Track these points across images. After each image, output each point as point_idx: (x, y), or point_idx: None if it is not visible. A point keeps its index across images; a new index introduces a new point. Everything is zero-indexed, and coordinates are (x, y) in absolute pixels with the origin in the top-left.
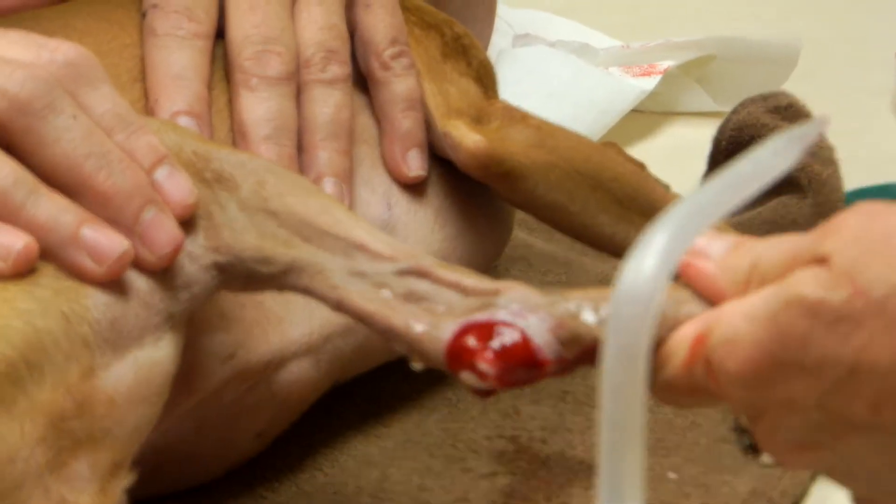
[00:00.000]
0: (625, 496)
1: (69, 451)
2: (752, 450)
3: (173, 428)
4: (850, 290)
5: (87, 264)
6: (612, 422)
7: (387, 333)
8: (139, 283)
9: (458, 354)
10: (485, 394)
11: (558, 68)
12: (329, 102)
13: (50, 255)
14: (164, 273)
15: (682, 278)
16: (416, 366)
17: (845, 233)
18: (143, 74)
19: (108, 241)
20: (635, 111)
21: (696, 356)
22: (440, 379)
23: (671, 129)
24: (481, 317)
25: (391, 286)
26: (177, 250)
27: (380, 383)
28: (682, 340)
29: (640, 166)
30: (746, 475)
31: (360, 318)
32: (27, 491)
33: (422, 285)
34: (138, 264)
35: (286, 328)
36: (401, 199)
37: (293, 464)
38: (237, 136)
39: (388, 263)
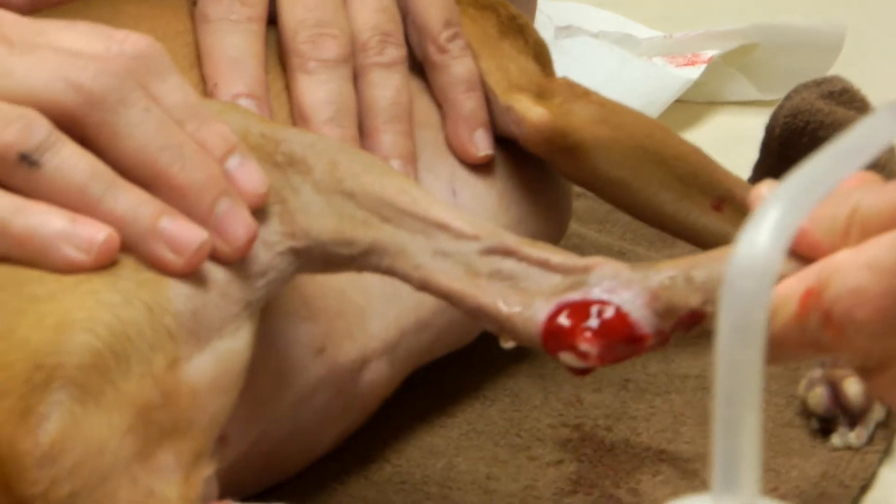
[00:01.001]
0: (741, 476)
1: (155, 442)
2: (822, 433)
3: (271, 430)
4: None
5: (167, 256)
6: (728, 399)
7: (475, 313)
8: (217, 273)
9: (555, 335)
10: (583, 372)
11: (603, 59)
12: (389, 85)
13: (129, 247)
14: (240, 263)
15: None
16: (507, 344)
17: None
18: (198, 60)
19: (186, 233)
20: (680, 101)
21: (808, 309)
22: (501, 369)
23: (716, 118)
24: (575, 295)
25: (476, 265)
26: (251, 241)
27: (441, 374)
28: (788, 295)
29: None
30: (815, 459)
31: (446, 297)
32: (115, 482)
33: (507, 263)
34: (214, 256)
35: (367, 320)
36: (465, 184)
37: (361, 455)
38: (298, 121)
39: (471, 242)
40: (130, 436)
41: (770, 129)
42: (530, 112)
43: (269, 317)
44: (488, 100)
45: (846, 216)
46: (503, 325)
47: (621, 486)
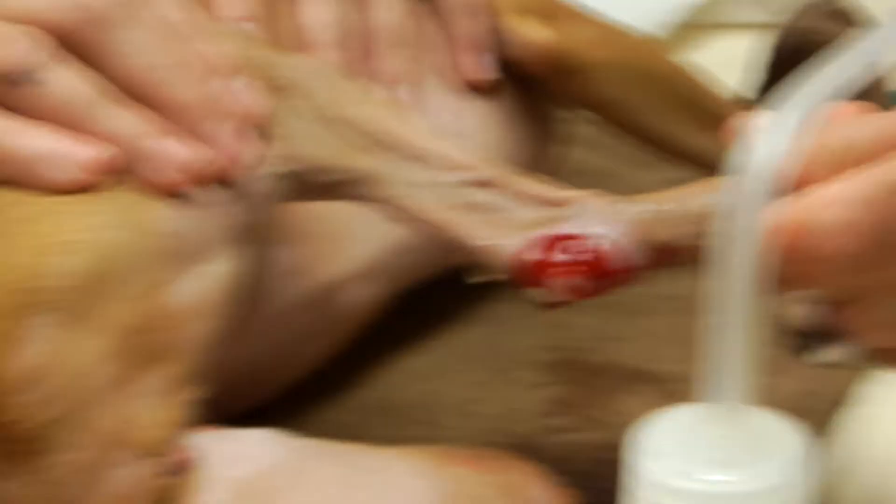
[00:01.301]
0: (730, 382)
1: (138, 366)
2: (801, 351)
3: (245, 351)
4: None
5: (171, 175)
6: (719, 307)
7: (451, 244)
8: (207, 195)
9: (529, 269)
10: (555, 305)
11: None
12: (393, 8)
13: (128, 166)
14: (235, 184)
15: None
16: (475, 278)
17: None
18: None
19: (189, 152)
20: (684, 24)
21: (791, 241)
22: (483, 292)
23: (723, 41)
24: (551, 229)
25: (458, 195)
26: (255, 160)
27: (422, 298)
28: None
29: None
30: (795, 376)
31: (424, 225)
32: (100, 406)
33: (486, 195)
34: (218, 175)
35: (349, 245)
36: (470, 107)
37: (340, 380)
38: (302, 45)
39: (455, 172)
40: (115, 360)
41: (777, 50)
42: (536, 34)
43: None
44: (492, 23)
45: (840, 146)
46: (477, 257)
47: (602, 406)
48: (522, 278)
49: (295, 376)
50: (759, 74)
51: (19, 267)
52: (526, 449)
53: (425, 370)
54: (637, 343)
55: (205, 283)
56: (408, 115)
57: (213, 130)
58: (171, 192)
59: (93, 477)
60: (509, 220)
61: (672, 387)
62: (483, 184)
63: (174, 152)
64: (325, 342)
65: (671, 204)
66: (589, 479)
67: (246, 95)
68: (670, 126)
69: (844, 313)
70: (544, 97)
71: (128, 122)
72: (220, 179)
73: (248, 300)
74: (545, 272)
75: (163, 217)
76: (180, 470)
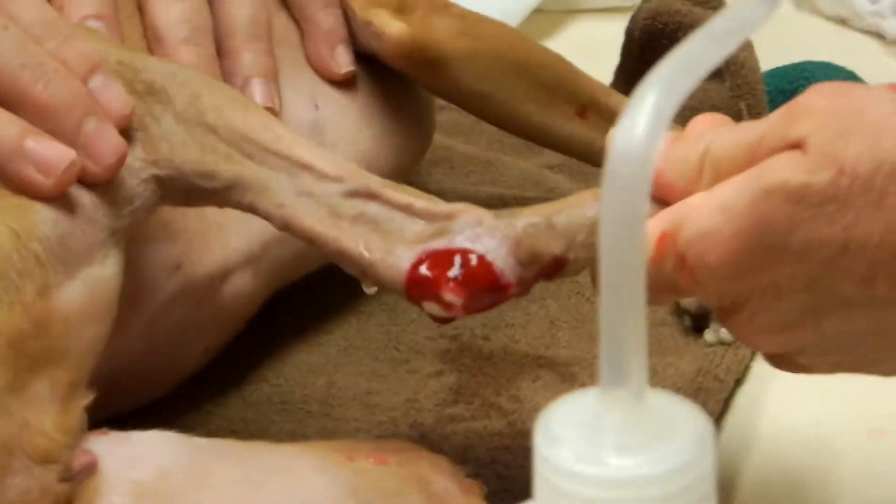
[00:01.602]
0: (628, 368)
1: (28, 372)
2: (694, 330)
3: (125, 349)
4: (833, 170)
5: (35, 177)
6: (612, 289)
7: (337, 256)
8: (83, 198)
9: (419, 284)
10: (446, 321)
11: None
12: (245, 3)
13: None
14: (105, 187)
15: None
16: (370, 290)
17: (816, 114)
18: None
19: (54, 152)
20: (538, 10)
21: (663, 253)
22: None
23: (575, 27)
24: (439, 244)
25: (339, 207)
26: (121, 160)
27: (315, 291)
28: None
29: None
30: (689, 356)
31: (308, 238)
32: None
33: (371, 207)
34: (84, 177)
35: (227, 236)
36: (327, 99)
37: (237, 377)
38: (152, 42)
39: (334, 184)
40: (1, 366)
41: (629, 33)
42: (389, 27)
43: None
44: (346, 15)
45: (698, 157)
46: (366, 271)
47: (502, 393)
48: (416, 294)
49: (185, 372)
50: (616, 59)
51: None
52: (428, 439)
53: (322, 364)
54: (530, 328)
55: (90, 286)
56: (278, 122)
57: (79, 129)
58: (47, 193)
59: None
60: (397, 233)
61: (569, 370)
62: (366, 194)
63: (45, 153)
64: (212, 336)
65: (557, 216)
66: (490, 466)
67: (109, 93)
68: (541, 115)
69: (729, 320)
70: (412, 90)
71: None
72: (94, 180)
73: (126, 298)
74: (437, 287)
75: (42, 220)
76: (79, 475)
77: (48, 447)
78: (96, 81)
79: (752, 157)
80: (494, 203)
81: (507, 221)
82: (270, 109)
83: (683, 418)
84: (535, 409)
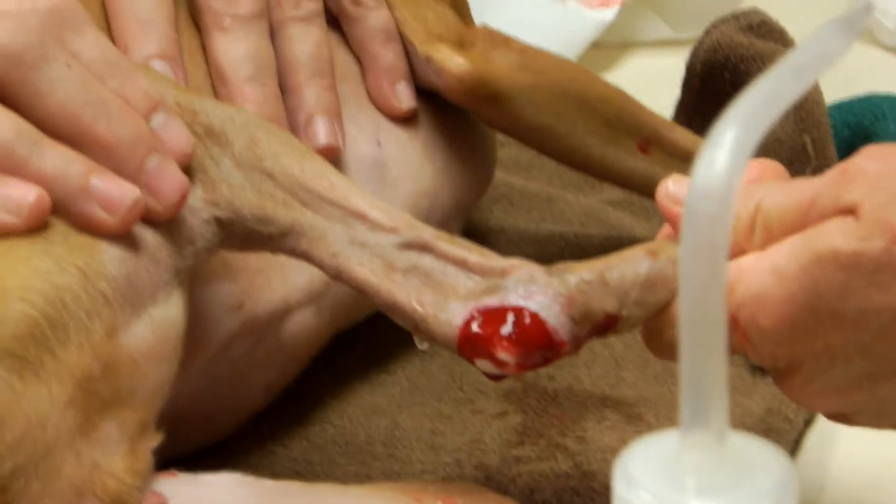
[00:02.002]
0: (709, 409)
1: (97, 414)
2: (761, 370)
3: (186, 388)
4: (887, 237)
5: (100, 215)
6: (691, 328)
7: (390, 308)
8: (147, 237)
9: (472, 342)
10: (498, 378)
11: (515, 4)
12: (308, 39)
13: (59, 207)
14: (168, 227)
15: (675, 228)
16: (422, 345)
17: (868, 179)
18: (108, 23)
19: (119, 190)
20: (595, 45)
21: None
22: None
23: (631, 60)
24: (492, 301)
25: (393, 258)
26: (184, 198)
27: (378, 331)
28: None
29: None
30: (758, 395)
31: (361, 289)
32: (59, 456)
33: (425, 260)
34: (147, 215)
35: (289, 275)
36: (389, 136)
37: (301, 417)
38: (216, 81)
39: (389, 235)
40: (72, 408)
41: (690, 67)
42: (450, 62)
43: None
44: (407, 51)
45: (750, 215)
46: (418, 326)
47: (567, 434)
48: (469, 350)
49: (246, 412)
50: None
51: None
52: (494, 480)
53: (385, 405)
54: (594, 368)
55: (157, 327)
56: (334, 170)
57: (142, 167)
58: (112, 231)
59: None
60: (450, 287)
61: (634, 411)
62: (419, 247)
63: (110, 190)
64: (273, 374)
65: (610, 273)
66: None
67: (171, 130)
68: (602, 149)
69: (784, 383)
70: (474, 125)
71: (58, 161)
72: (157, 218)
73: (188, 338)
74: (490, 345)
75: (109, 259)
76: None
77: (118, 489)
78: (158, 119)
79: (804, 220)
80: (556, 240)
81: (559, 278)
82: (334, 148)
83: (765, 460)
84: (602, 451)
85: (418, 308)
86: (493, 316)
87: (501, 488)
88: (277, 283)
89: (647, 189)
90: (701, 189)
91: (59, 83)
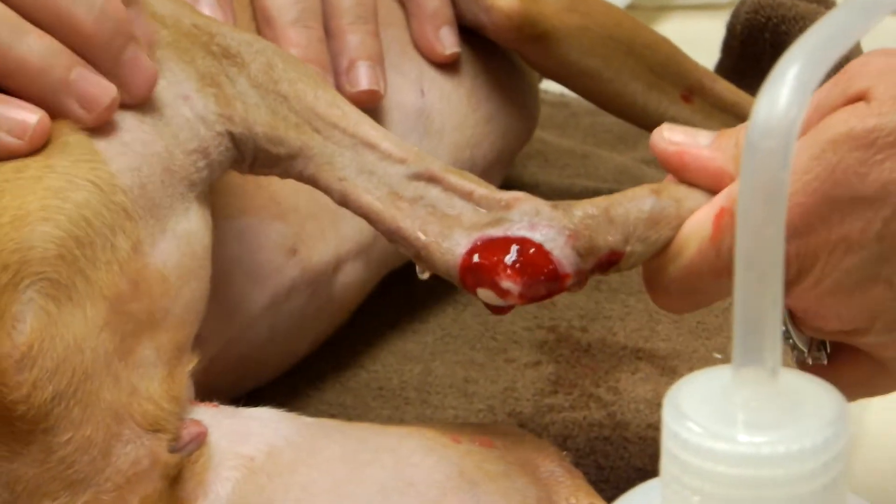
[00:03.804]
0: (763, 342)
1: (133, 336)
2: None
3: (247, 335)
4: None
5: (77, 111)
6: (749, 263)
7: (394, 235)
8: (157, 147)
9: (475, 270)
10: (501, 310)
11: None
12: None
13: (39, 99)
14: (178, 136)
15: (672, 169)
16: (423, 275)
17: (874, 69)
18: None
19: (97, 88)
20: (632, 6)
21: (722, 228)
22: None
23: (669, 23)
24: (496, 231)
25: (400, 188)
26: (152, 89)
27: (411, 280)
28: (699, 222)
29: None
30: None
31: (365, 214)
32: (98, 380)
33: (432, 191)
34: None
35: (339, 223)
36: (433, 85)
37: (335, 363)
38: (261, 23)
39: (398, 165)
40: (107, 330)
41: (731, 27)
42: (499, 0)
43: (237, 215)
44: None
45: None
46: (420, 253)
47: (601, 384)
48: (469, 280)
49: (293, 361)
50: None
51: None
52: (526, 427)
53: (418, 352)
54: (628, 321)
55: (181, 241)
56: (346, 102)
57: (114, 59)
58: (86, 127)
59: (101, 454)
60: (454, 218)
61: (668, 363)
62: (427, 178)
63: (90, 88)
64: (322, 326)
65: (615, 209)
66: (590, 456)
67: (139, 20)
68: (646, 95)
69: (795, 292)
70: (517, 74)
71: (42, 51)
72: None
73: (245, 277)
74: (492, 275)
75: (119, 170)
76: (189, 445)
77: (156, 414)
78: (133, 8)
79: (808, 125)
80: (590, 196)
81: (565, 212)
82: (375, 92)
83: (818, 398)
84: (635, 401)
85: (421, 236)
86: (496, 245)
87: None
88: (330, 231)
89: None
90: (762, 125)
91: None
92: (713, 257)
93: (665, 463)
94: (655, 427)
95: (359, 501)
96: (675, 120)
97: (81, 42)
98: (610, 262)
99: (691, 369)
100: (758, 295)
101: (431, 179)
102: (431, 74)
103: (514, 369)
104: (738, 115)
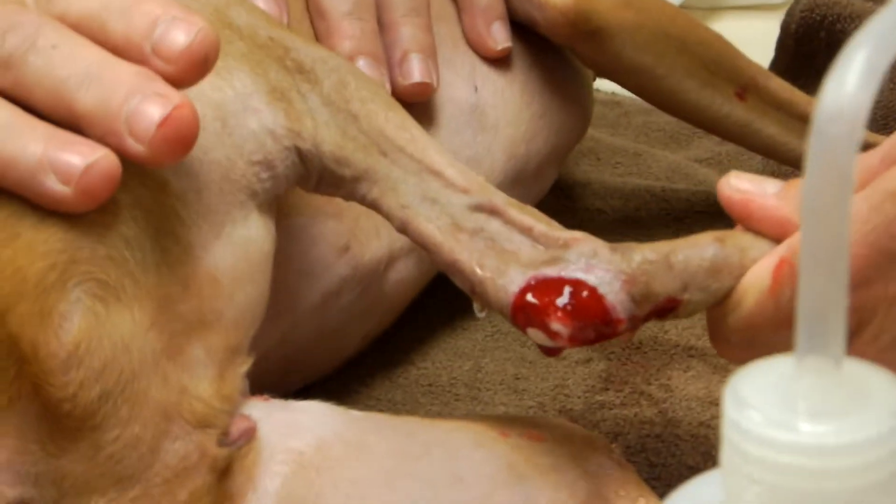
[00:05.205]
0: (828, 331)
1: (182, 336)
2: None
3: (296, 332)
4: None
5: (55, 188)
6: (814, 249)
7: (450, 267)
8: (217, 154)
9: (526, 310)
10: (552, 351)
11: None
12: None
13: (16, 189)
14: (241, 146)
15: (738, 218)
16: (480, 313)
17: None
18: None
19: (70, 157)
20: (683, 6)
21: (781, 282)
22: None
23: (719, 24)
24: (551, 271)
25: (461, 219)
26: (176, 119)
27: None
28: (759, 273)
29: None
30: None
31: (424, 244)
32: (146, 379)
33: (492, 224)
34: (128, 155)
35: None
36: (486, 80)
37: (384, 359)
38: (315, 15)
39: (461, 195)
40: (155, 330)
41: (785, 26)
42: None
43: (293, 214)
44: None
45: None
46: (475, 289)
47: (652, 382)
48: (521, 319)
49: (343, 359)
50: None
51: (48, 241)
52: (577, 424)
53: (469, 348)
54: (679, 319)
55: (236, 246)
56: (416, 124)
57: (119, 115)
58: (72, 207)
59: (150, 450)
60: (512, 254)
61: (720, 361)
62: (489, 210)
63: (62, 158)
64: (373, 323)
65: (675, 256)
66: (641, 454)
67: (170, 34)
68: (699, 93)
69: (853, 344)
70: (571, 70)
71: (18, 142)
72: (141, 156)
73: (296, 274)
74: (543, 316)
75: (173, 176)
76: (238, 440)
77: (205, 413)
78: (159, 30)
79: (874, 175)
80: (642, 194)
81: (623, 256)
82: (428, 85)
83: (882, 389)
84: (687, 399)
85: (478, 270)
86: (550, 286)
87: None
88: (383, 231)
89: (740, 136)
90: (829, 110)
91: (44, 69)
92: (772, 310)
93: (724, 453)
94: (707, 425)
95: (408, 495)
96: (728, 118)
97: (85, 119)
98: (667, 308)
99: (744, 368)
100: (823, 283)
101: (493, 212)
102: (484, 70)
103: (565, 366)
104: (792, 114)
